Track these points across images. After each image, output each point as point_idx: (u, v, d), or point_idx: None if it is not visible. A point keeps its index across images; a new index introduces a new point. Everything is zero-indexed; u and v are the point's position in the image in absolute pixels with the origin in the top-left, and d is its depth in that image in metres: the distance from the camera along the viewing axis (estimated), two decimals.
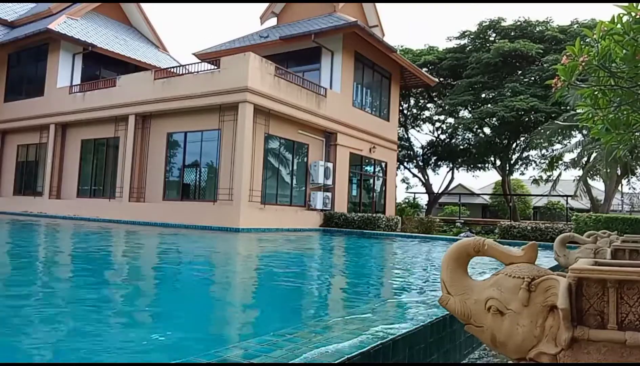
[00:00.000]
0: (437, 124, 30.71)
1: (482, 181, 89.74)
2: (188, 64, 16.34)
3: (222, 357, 1.85)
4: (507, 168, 28.73)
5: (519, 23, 26.39)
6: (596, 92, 3.25)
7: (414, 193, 32.62)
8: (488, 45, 26.72)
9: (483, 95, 26.52)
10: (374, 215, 16.86)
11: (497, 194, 36.85)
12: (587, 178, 21.27)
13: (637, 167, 21.16)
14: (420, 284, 5.64)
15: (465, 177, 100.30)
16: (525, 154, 28.66)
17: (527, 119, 23.55)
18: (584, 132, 19.17)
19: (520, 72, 26.11)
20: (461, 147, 29.57)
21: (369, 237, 14.81)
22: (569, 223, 16.82)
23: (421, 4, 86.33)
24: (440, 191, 31.33)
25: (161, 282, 5.59)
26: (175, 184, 16.72)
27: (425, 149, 30.84)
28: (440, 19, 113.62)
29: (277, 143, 16.40)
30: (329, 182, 17.77)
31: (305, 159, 17.53)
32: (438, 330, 2.69)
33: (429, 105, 30.88)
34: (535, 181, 28.02)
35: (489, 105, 25.23)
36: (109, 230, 13.28)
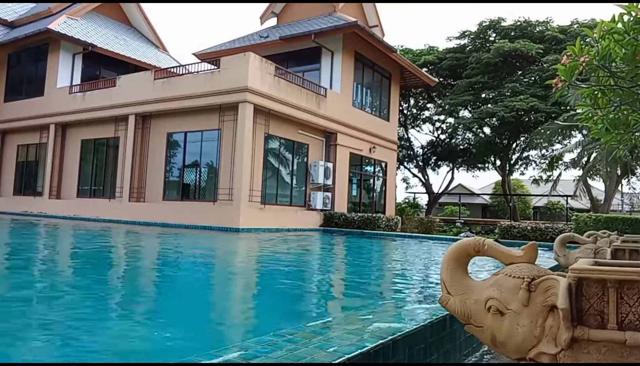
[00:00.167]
0: (437, 124, 30.72)
1: (482, 181, 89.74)
2: (188, 64, 16.34)
3: (222, 357, 1.84)
4: (507, 168, 28.73)
5: (519, 23, 26.39)
6: (596, 92, 3.25)
7: (414, 193, 32.65)
8: (488, 45, 26.72)
9: (483, 95, 26.52)
10: (374, 215, 16.86)
11: (497, 194, 36.86)
12: (587, 178, 21.27)
13: (637, 167, 21.16)
14: (420, 285, 5.64)
15: (465, 177, 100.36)
16: (525, 154, 28.67)
17: (527, 119, 23.55)
18: (584, 132, 19.17)
19: (520, 72, 26.11)
20: (461, 147, 29.57)
21: (369, 237, 14.81)
22: (569, 223, 16.82)
23: (421, 4, 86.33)
24: (440, 191, 31.33)
25: (161, 282, 5.59)
26: (175, 184, 16.72)
27: (425, 149, 30.84)
28: (440, 19, 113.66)
29: (277, 143, 16.40)
30: (329, 182, 17.77)
31: (305, 159, 17.53)
32: (438, 330, 2.69)
33: (429, 105, 30.88)
34: (535, 181, 28.03)
35: (489, 105, 25.23)
36: (109, 230, 13.28)
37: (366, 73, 20.57)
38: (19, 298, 4.04)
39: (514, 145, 27.87)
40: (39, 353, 2.63)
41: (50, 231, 12.68)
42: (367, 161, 20.63)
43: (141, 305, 4.14)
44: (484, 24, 27.06)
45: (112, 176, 18.28)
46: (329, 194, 17.84)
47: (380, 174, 22.04)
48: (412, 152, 30.91)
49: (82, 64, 21.07)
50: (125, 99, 17.17)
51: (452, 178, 31.34)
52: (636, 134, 3.60)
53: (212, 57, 18.86)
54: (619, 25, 2.83)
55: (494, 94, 25.39)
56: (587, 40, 3.18)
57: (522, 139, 26.91)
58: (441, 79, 27.59)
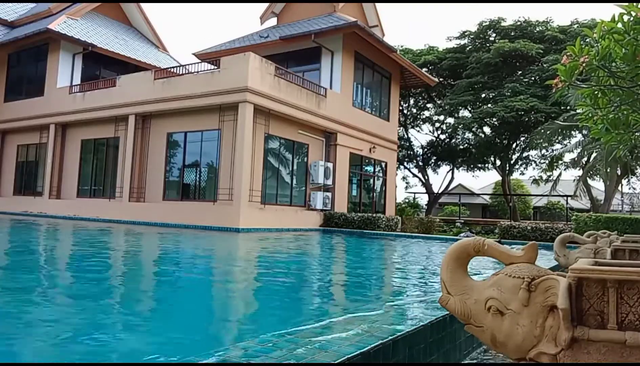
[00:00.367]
0: (437, 124, 30.72)
1: (482, 181, 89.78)
2: (188, 64, 16.34)
3: (222, 357, 1.85)
4: (507, 168, 28.73)
5: (519, 23, 26.38)
6: (596, 92, 3.25)
7: (414, 193, 32.65)
8: (488, 45, 26.72)
9: (483, 95, 26.52)
10: (374, 215, 16.86)
11: (497, 194, 36.85)
12: (587, 178, 21.28)
13: (637, 167, 21.16)
14: (420, 284, 5.64)
15: (465, 177, 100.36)
16: (525, 154, 28.67)
17: (527, 119, 23.55)
18: (584, 132, 19.17)
19: (520, 72, 26.11)
20: (461, 147, 29.57)
21: (369, 237, 14.81)
22: (569, 223, 16.82)
23: (421, 4, 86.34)
24: (440, 191, 31.33)
25: (161, 282, 5.59)
26: (175, 184, 16.72)
27: (425, 149, 30.84)
28: (440, 19, 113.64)
29: (277, 143, 16.40)
30: (329, 182, 17.77)
31: (305, 159, 17.53)
32: (438, 330, 2.69)
33: (428, 105, 30.88)
34: (535, 181, 28.02)
35: (489, 105, 25.23)
36: (109, 230, 13.28)
37: (366, 73, 20.57)
38: (13, 299, 4.04)
39: (514, 145, 27.87)
40: (39, 353, 2.63)
41: (50, 232, 12.68)
42: (367, 161, 20.63)
43: (140, 305, 4.14)
44: (484, 24, 27.06)
45: (112, 176, 18.28)
46: (329, 194, 17.84)
47: (380, 174, 22.04)
48: (412, 152, 30.91)
49: (82, 64, 21.06)
50: (125, 99, 17.17)
51: (452, 178, 31.35)
52: (636, 134, 3.60)
53: (212, 57, 18.86)
54: (619, 25, 2.83)
55: (494, 94, 25.38)
56: (587, 40, 3.19)
57: (522, 139, 26.90)
58: (441, 79, 27.59)
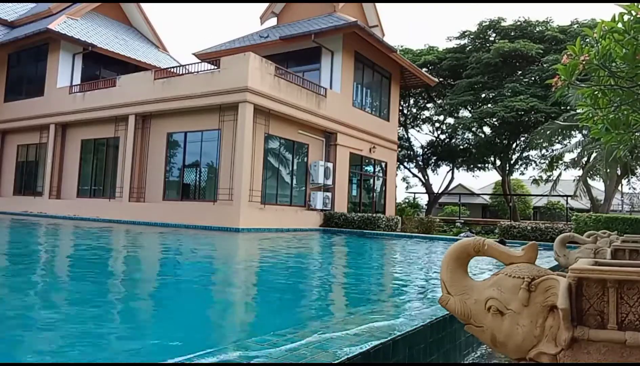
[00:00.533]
0: (437, 124, 30.72)
1: (482, 181, 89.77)
2: (188, 64, 16.34)
3: (222, 357, 1.84)
4: (507, 168, 28.73)
5: (519, 23, 26.39)
6: (596, 92, 3.25)
7: (414, 193, 32.65)
8: (488, 45, 26.72)
9: (483, 95, 26.52)
10: (374, 215, 16.86)
11: (497, 194, 36.86)
12: (587, 178, 21.27)
13: (637, 167, 21.16)
14: (420, 284, 5.64)
15: (465, 177, 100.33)
16: (525, 154, 28.67)
17: (527, 119, 23.56)
18: (584, 132, 19.17)
19: (520, 72, 26.11)
20: (461, 147, 29.57)
21: (369, 237, 14.81)
22: (569, 223, 16.82)
23: (421, 4, 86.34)
24: (440, 191, 31.33)
25: (161, 282, 5.59)
26: (175, 184, 16.72)
27: (425, 149, 30.84)
28: (440, 19, 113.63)
29: (277, 143, 16.40)
30: (329, 182, 17.77)
31: (305, 159, 17.53)
32: (438, 330, 2.69)
33: (428, 105, 30.89)
34: (535, 181, 28.02)
35: (489, 105, 25.23)
36: (109, 230, 13.27)
37: (366, 73, 20.57)
38: (13, 298, 4.04)
39: (514, 145, 27.87)
40: (39, 352, 2.62)
41: (50, 231, 12.68)
42: (367, 161, 20.63)
43: (140, 305, 4.14)
44: (484, 24, 27.06)
45: (112, 176, 18.28)
46: (329, 194, 17.84)
47: (380, 174, 22.03)
48: (412, 152, 30.91)
49: (82, 64, 21.06)
50: (125, 99, 17.17)
51: (452, 178, 31.35)
52: (636, 134, 3.60)
53: (212, 57, 18.85)
54: (619, 25, 2.82)
55: (494, 94, 25.38)
56: (587, 40, 3.18)
57: (522, 139, 26.91)
58: (441, 79, 27.59)
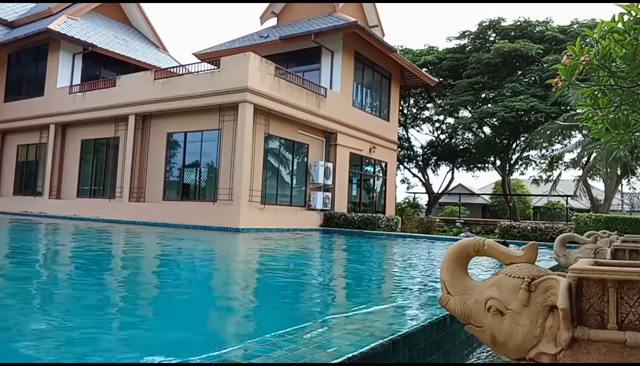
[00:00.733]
0: (437, 124, 30.72)
1: (482, 181, 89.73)
2: (188, 64, 16.34)
3: (222, 357, 1.84)
4: (507, 168, 28.73)
5: (519, 23, 26.39)
6: (596, 92, 3.25)
7: (414, 193, 32.64)
8: (488, 45, 26.72)
9: (483, 95, 26.52)
10: (374, 215, 16.86)
11: (497, 194, 36.86)
12: (587, 178, 21.27)
13: (637, 167, 21.16)
14: (420, 284, 5.64)
15: (465, 177, 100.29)
16: (525, 154, 28.67)
17: (527, 119, 23.56)
18: (584, 132, 19.17)
19: (520, 72, 26.11)
20: (461, 147, 29.57)
21: (369, 237, 14.80)
22: (569, 223, 16.82)
23: (421, 4, 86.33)
24: (440, 191, 31.33)
25: (161, 282, 5.58)
26: (175, 184, 16.72)
27: (425, 149, 30.84)
28: (440, 19, 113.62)
29: (277, 143, 16.40)
30: (329, 182, 17.77)
31: (305, 159, 17.53)
32: (438, 330, 2.69)
33: (428, 105, 30.89)
34: (535, 181, 28.02)
35: (489, 105, 25.23)
36: (109, 230, 13.28)
37: (366, 73, 20.57)
38: (12, 298, 4.04)
39: (514, 145, 27.87)
40: (39, 352, 2.62)
41: (50, 231, 12.68)
42: (367, 161, 20.63)
43: (140, 305, 4.14)
44: (483, 24, 27.06)
45: (112, 176, 18.28)
46: (329, 194, 17.84)
47: (380, 174, 22.03)
48: (412, 152, 30.91)
49: (82, 64, 21.06)
50: (125, 99, 17.17)
51: (452, 178, 31.35)
52: (636, 134, 3.60)
53: (212, 57, 18.85)
54: (619, 25, 2.83)
55: (494, 94, 25.38)
56: (587, 40, 3.18)
57: (522, 139, 26.91)
58: (441, 79, 27.59)
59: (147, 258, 8.08)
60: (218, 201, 14.88)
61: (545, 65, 23.46)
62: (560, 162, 24.61)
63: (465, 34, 27.82)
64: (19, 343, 2.79)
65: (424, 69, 26.38)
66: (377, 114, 21.46)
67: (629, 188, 28.92)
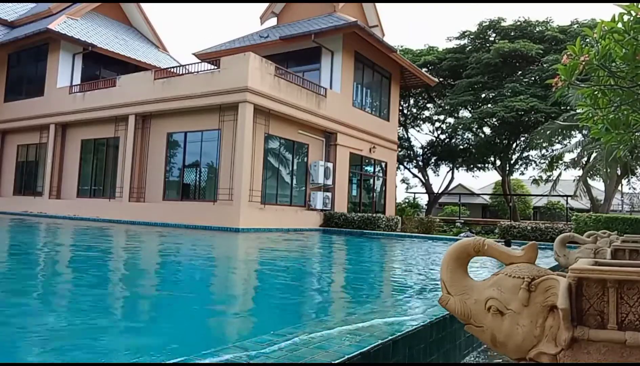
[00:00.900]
0: (437, 124, 30.73)
1: (482, 181, 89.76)
2: (188, 64, 16.34)
3: (222, 357, 1.84)
4: (507, 168, 28.73)
5: (519, 23, 26.39)
6: (596, 92, 3.25)
7: (414, 193, 32.66)
8: (488, 45, 26.72)
9: (483, 95, 26.52)
10: (374, 215, 16.86)
11: (497, 194, 36.85)
12: (587, 178, 21.27)
13: (637, 167, 21.16)
14: (420, 284, 5.64)
15: (465, 177, 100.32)
16: (525, 154, 28.67)
17: (527, 119, 23.56)
18: (584, 132, 19.17)
19: (520, 72, 26.11)
20: (461, 147, 29.57)
21: (369, 237, 14.80)
22: (569, 223, 16.82)
23: (421, 4, 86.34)
24: (440, 191, 31.33)
25: (161, 282, 5.58)
26: (175, 184, 16.72)
27: (425, 149, 30.84)
28: (440, 19, 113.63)
29: (277, 143, 16.40)
30: (329, 182, 17.77)
31: (305, 159, 17.53)
32: (438, 330, 2.69)
33: (428, 105, 30.89)
34: (535, 181, 28.02)
35: (489, 105, 25.23)
36: (109, 230, 13.27)
37: (366, 73, 20.57)
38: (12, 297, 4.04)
39: (514, 145, 27.87)
40: (39, 352, 2.63)
41: (50, 231, 12.68)
42: (367, 161, 20.62)
43: (140, 305, 4.14)
44: (483, 24, 27.06)
45: (112, 176, 18.28)
46: (329, 194, 17.84)
47: (380, 174, 22.03)
48: (412, 152, 30.91)
49: (82, 64, 21.06)
50: (125, 99, 17.17)
51: (452, 178, 31.35)
52: (636, 134, 3.60)
53: (212, 57, 18.85)
54: (619, 25, 2.82)
55: (494, 94, 25.39)
56: (587, 40, 3.18)
57: (522, 139, 26.91)
58: (441, 79, 27.59)
59: (146, 258, 8.08)
60: (218, 201, 14.88)
61: (545, 65, 23.47)
62: (560, 162, 24.61)
63: (465, 34, 27.82)
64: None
65: (424, 69, 26.38)
66: (377, 114, 21.46)
67: (629, 188, 28.93)
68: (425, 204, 31.51)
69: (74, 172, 19.58)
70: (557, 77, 3.11)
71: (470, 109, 27.23)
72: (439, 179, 57.12)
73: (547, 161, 26.67)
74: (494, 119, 25.19)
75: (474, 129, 28.10)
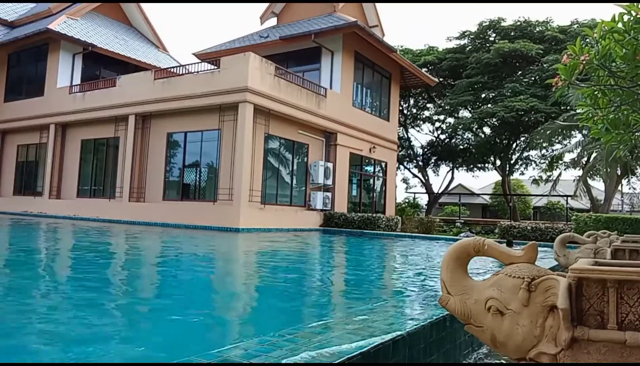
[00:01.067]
0: (437, 124, 30.74)
1: (482, 181, 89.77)
2: (188, 64, 16.34)
3: (222, 357, 1.84)
4: (507, 168, 28.73)
5: (519, 23, 26.39)
6: (596, 92, 3.25)
7: (414, 193, 32.65)
8: (488, 45, 26.72)
9: (483, 95, 26.53)
10: (374, 215, 16.86)
11: (497, 194, 36.86)
12: (587, 178, 21.27)
13: (637, 167, 21.16)
14: (420, 284, 5.64)
15: (465, 177, 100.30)
16: (525, 154, 28.68)
17: (527, 119, 23.57)
18: (584, 132, 19.18)
19: (520, 72, 26.12)
20: (461, 147, 29.58)
21: (369, 237, 14.80)
22: (569, 223, 16.82)
23: (421, 4, 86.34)
24: (440, 191, 31.33)
25: (161, 282, 5.58)
26: (175, 184, 16.72)
27: (425, 149, 30.84)
28: (440, 19, 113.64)
29: (277, 143, 16.40)
30: (329, 182, 17.77)
31: (305, 159, 17.53)
32: (438, 330, 2.69)
33: (428, 105, 30.89)
34: (535, 181, 28.03)
35: (489, 105, 25.24)
36: (109, 230, 13.27)
37: (366, 73, 20.57)
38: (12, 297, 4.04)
39: (514, 145, 27.87)
40: (39, 352, 2.63)
41: (50, 231, 12.68)
42: (367, 161, 20.63)
43: (140, 304, 4.14)
44: (483, 24, 27.06)
45: (112, 176, 18.28)
46: (329, 194, 17.84)
47: (380, 174, 22.03)
48: (412, 152, 30.91)
49: (82, 64, 21.06)
50: (125, 99, 17.17)
51: (452, 178, 31.36)
52: (636, 134, 3.60)
53: (212, 57, 18.85)
54: (619, 25, 2.83)
55: (494, 94, 25.39)
56: (587, 40, 3.19)
57: (522, 139, 26.92)
58: (441, 79, 27.59)
59: (146, 258, 8.07)
60: (218, 201, 14.88)
61: (545, 65, 23.47)
62: (560, 162, 24.62)
63: (465, 34, 27.82)
64: None
65: (424, 69, 26.38)
66: (377, 114, 21.46)
67: (629, 188, 28.94)
68: (425, 204, 31.52)
69: (74, 172, 19.58)
70: (557, 77, 3.11)
71: (470, 109, 27.23)
72: (439, 179, 57.18)
73: (547, 161, 26.68)
74: (494, 119, 25.19)
75: (474, 129, 28.10)
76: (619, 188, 24.78)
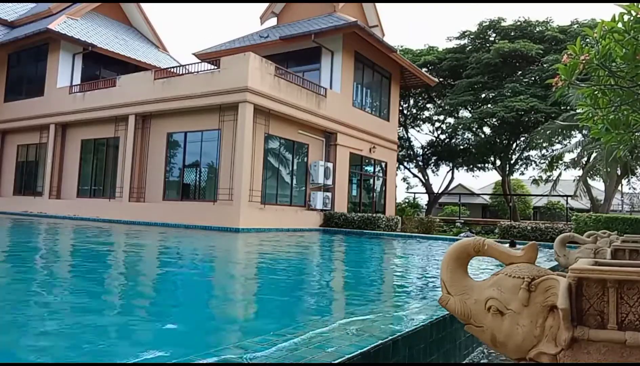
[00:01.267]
0: (437, 124, 30.74)
1: (482, 181, 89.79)
2: (188, 64, 16.34)
3: (222, 357, 1.84)
4: (507, 168, 28.73)
5: (519, 23, 26.39)
6: (596, 92, 3.25)
7: (414, 193, 32.64)
8: (488, 45, 26.72)
9: (483, 95, 26.53)
10: (374, 215, 16.86)
11: (497, 194, 36.86)
12: (587, 178, 21.28)
13: (637, 167, 21.16)
14: (420, 284, 5.64)
15: (465, 177, 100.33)
16: (525, 154, 28.68)
17: (527, 119, 23.57)
18: (584, 132, 19.18)
19: (520, 72, 26.12)
20: (461, 147, 29.58)
21: (369, 237, 14.80)
22: (569, 223, 16.82)
23: (421, 4, 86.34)
24: (440, 191, 31.33)
25: (161, 282, 5.58)
26: (175, 184, 16.72)
27: (425, 149, 30.85)
28: (440, 19, 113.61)
29: (277, 143, 16.40)
30: (329, 182, 17.77)
31: (305, 159, 17.53)
32: (438, 330, 2.69)
33: (428, 105, 30.89)
34: (535, 181, 28.03)
35: (489, 105, 25.24)
36: (109, 230, 13.27)
37: (366, 73, 20.57)
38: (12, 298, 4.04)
39: (514, 145, 27.88)
40: (39, 352, 2.63)
41: (51, 231, 12.68)
42: (367, 161, 20.63)
43: (140, 304, 4.14)
44: (484, 24, 27.07)
45: (112, 176, 18.28)
46: (329, 194, 17.84)
47: (380, 174, 22.03)
48: (412, 152, 30.91)
49: (82, 64, 21.06)
50: (125, 99, 17.17)
51: (452, 178, 31.35)
52: (636, 134, 3.60)
53: (212, 57, 18.86)
54: (619, 25, 2.83)
55: (494, 94, 25.39)
56: (587, 40, 3.19)
57: (522, 139, 26.92)
58: (441, 79, 27.59)
59: (146, 258, 8.07)
60: (218, 201, 14.88)
61: (545, 65, 23.47)
62: (560, 162, 24.62)
63: (465, 34, 27.83)
64: None
65: (424, 69, 26.39)
66: (377, 114, 21.46)
67: (629, 188, 28.95)
68: (425, 204, 31.52)
69: (74, 172, 19.58)
70: (557, 76, 3.11)
71: (470, 109, 27.23)
72: (439, 179, 57.22)
73: (547, 161, 26.68)
74: (494, 119, 25.20)
75: (474, 129, 28.11)
76: (619, 188, 24.78)
